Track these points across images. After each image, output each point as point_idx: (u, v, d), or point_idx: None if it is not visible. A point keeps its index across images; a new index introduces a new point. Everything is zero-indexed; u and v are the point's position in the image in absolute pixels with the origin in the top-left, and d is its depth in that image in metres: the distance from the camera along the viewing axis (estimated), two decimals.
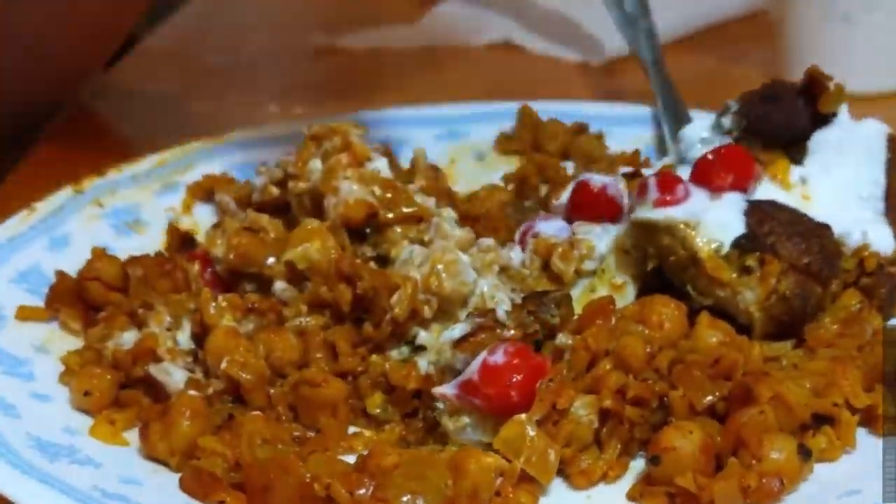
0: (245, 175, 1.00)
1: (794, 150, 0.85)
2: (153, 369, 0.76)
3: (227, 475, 0.69)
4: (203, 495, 0.67)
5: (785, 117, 0.86)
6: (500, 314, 0.75)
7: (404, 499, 0.65)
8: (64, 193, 0.93)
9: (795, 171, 0.83)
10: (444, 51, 1.37)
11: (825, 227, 0.79)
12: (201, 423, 0.71)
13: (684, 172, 0.84)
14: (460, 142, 1.05)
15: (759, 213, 0.79)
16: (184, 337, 0.78)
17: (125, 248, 0.91)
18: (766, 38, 1.24)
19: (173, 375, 0.75)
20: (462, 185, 1.01)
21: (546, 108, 1.07)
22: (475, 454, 0.68)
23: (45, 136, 1.15)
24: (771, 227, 0.78)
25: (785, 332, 0.78)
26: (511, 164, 1.03)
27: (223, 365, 0.75)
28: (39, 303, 0.83)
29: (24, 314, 0.82)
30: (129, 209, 0.95)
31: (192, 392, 0.73)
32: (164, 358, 0.76)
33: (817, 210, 0.81)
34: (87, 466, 0.68)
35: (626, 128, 1.05)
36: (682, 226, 0.79)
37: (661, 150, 1.01)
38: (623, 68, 1.30)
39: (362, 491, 0.65)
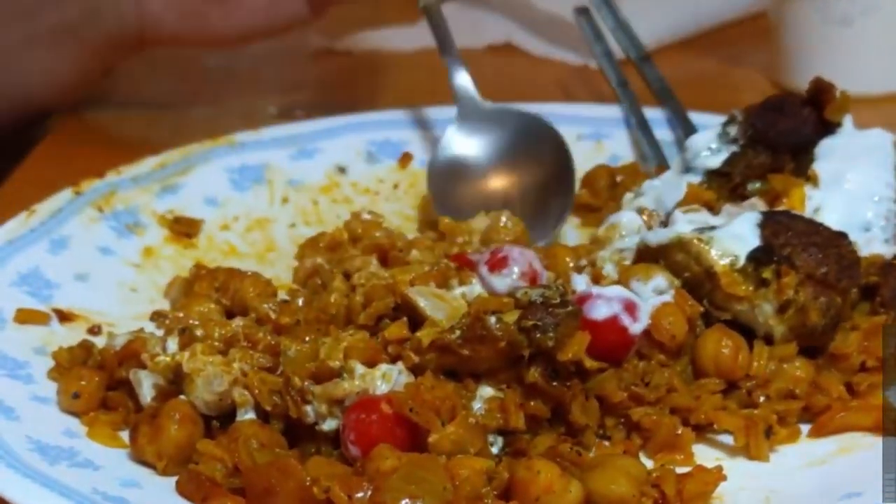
0: (244, 178, 1.00)
1: (801, 157, 0.86)
2: (132, 375, 0.75)
3: (226, 480, 0.68)
4: (202, 499, 0.67)
5: (791, 124, 0.86)
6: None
7: (403, 502, 0.64)
8: (63, 196, 0.93)
9: (810, 203, 0.83)
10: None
11: (842, 236, 0.79)
12: (190, 428, 0.71)
13: (690, 179, 0.85)
14: None
15: (774, 224, 0.78)
16: (173, 343, 0.77)
17: (125, 250, 0.92)
18: (767, 39, 1.24)
19: (143, 386, 0.74)
20: None
21: (545, 111, 1.07)
22: (467, 460, 0.68)
23: (44, 138, 1.15)
24: (786, 239, 0.77)
25: (809, 344, 0.77)
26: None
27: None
28: (39, 305, 0.83)
29: (24, 317, 0.81)
30: (129, 211, 0.94)
31: (181, 397, 0.73)
32: (146, 364, 0.75)
33: (831, 214, 0.82)
34: (86, 469, 0.68)
35: (624, 130, 1.05)
36: (695, 241, 0.78)
37: (658, 157, 1.02)
38: (622, 71, 1.30)
39: (361, 494, 0.65)
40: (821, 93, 0.87)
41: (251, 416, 0.72)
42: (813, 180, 0.84)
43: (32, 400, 0.74)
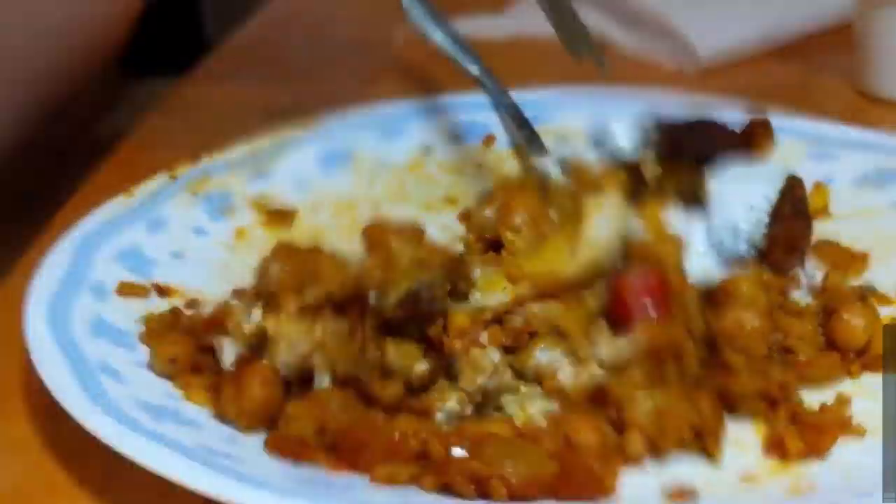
0: (331, 162, 1.03)
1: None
2: (215, 341, 0.78)
3: (315, 439, 0.71)
4: (295, 457, 0.69)
5: (697, 142, 0.89)
6: None
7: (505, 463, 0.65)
8: (159, 180, 0.96)
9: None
10: (526, 42, 1.40)
11: None
12: (271, 389, 0.73)
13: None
14: (544, 126, 1.05)
15: None
16: (256, 313, 0.79)
17: (218, 231, 0.95)
18: (850, 48, 1.25)
19: (226, 351, 0.77)
20: None
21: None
22: (582, 422, 0.69)
23: (127, 136, 1.19)
24: None
25: None
26: None
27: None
28: (139, 280, 0.86)
29: (126, 290, 0.85)
30: (222, 195, 0.97)
31: (263, 361, 0.75)
32: (231, 332, 0.78)
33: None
34: (190, 427, 0.71)
35: None
36: None
37: None
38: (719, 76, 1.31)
39: (458, 450, 0.66)
40: (754, 128, 0.90)
41: (327, 381, 0.74)
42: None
43: (136, 365, 0.77)
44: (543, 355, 0.74)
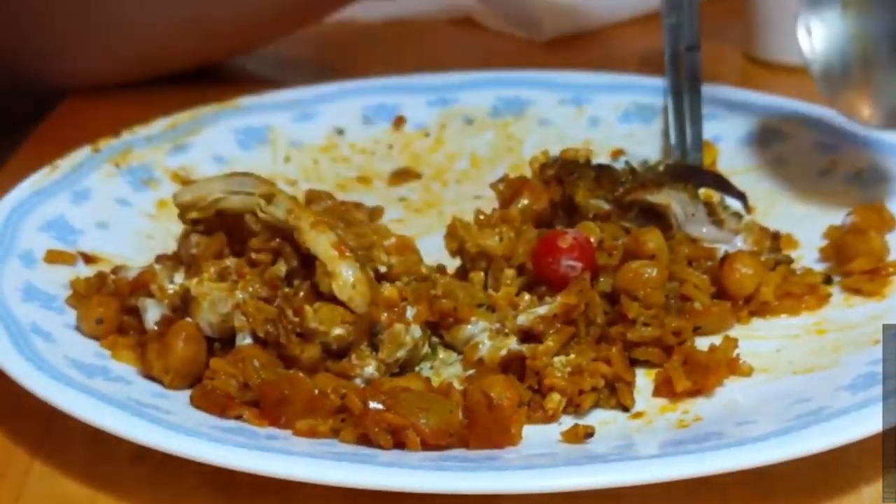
0: (249, 138, 1.07)
1: None
2: (139, 302, 0.82)
3: (239, 394, 0.74)
4: (220, 411, 0.73)
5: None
6: None
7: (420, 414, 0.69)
8: (83, 152, 1.00)
9: None
10: (409, 25, 1.46)
11: None
12: (195, 346, 0.77)
13: None
14: (450, 107, 1.12)
15: None
16: (179, 276, 0.84)
17: (141, 202, 0.99)
18: (741, 15, 1.31)
19: (149, 312, 0.81)
20: (451, 146, 1.09)
21: (526, 77, 1.15)
22: (499, 381, 0.72)
23: (49, 116, 1.22)
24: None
25: None
26: (498, 130, 1.10)
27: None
28: (66, 248, 0.90)
29: (53, 257, 0.88)
30: (144, 167, 1.01)
31: (188, 319, 0.79)
32: (155, 294, 0.81)
33: None
34: (120, 383, 0.75)
35: (604, 95, 1.12)
36: None
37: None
38: (563, 46, 1.40)
39: (375, 404, 0.69)
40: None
41: (249, 341, 0.78)
42: None
43: (65, 327, 0.81)
44: (474, 328, 0.79)
